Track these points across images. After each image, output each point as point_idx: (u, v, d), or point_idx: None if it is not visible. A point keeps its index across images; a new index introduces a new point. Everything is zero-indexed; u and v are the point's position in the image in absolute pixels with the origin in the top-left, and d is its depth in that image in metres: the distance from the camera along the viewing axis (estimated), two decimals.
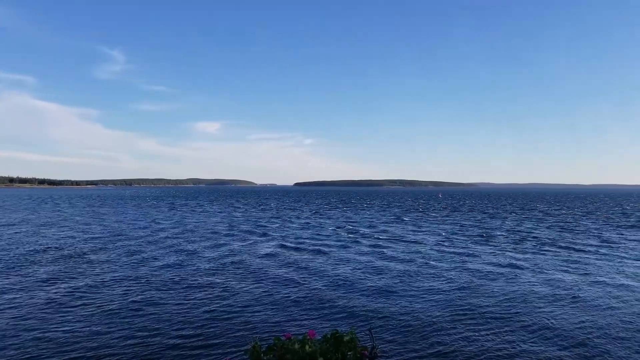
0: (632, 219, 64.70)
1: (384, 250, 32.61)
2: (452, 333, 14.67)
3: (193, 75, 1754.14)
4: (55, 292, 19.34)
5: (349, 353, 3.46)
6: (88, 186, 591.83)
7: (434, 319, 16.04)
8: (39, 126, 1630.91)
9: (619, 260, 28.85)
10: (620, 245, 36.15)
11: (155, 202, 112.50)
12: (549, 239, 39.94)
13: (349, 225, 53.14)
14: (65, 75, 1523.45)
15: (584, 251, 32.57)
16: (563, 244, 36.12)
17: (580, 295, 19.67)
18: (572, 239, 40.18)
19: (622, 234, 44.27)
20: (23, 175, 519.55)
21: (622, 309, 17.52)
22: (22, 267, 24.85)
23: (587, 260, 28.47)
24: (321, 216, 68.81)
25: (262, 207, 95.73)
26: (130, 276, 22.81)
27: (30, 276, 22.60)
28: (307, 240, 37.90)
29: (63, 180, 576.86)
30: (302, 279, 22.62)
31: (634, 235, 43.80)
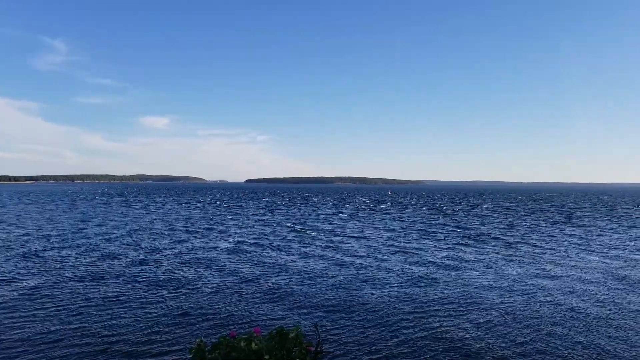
0: (564, 216, 68.30)
1: (330, 247, 32.88)
2: (398, 330, 15.10)
3: (140, 68, 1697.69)
4: None
5: (294, 349, 3.49)
6: (27, 182, 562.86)
7: (379, 316, 16.44)
8: None
9: (555, 254, 30.48)
10: (555, 239, 38.15)
11: (91, 198, 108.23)
12: (488, 234, 41.64)
13: (296, 221, 53.22)
14: (0, 65, 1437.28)
15: (518, 247, 34.23)
16: (504, 239, 37.79)
17: (520, 289, 20.67)
18: (510, 233, 42.06)
19: (557, 229, 46.68)
20: None
21: (561, 304, 18.55)
22: None
23: (524, 255, 30.01)
24: (268, 213, 68.55)
25: (207, 203, 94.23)
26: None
27: None
28: (250, 238, 37.46)
29: (0, 176, 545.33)
30: (244, 277, 22.45)
31: (568, 230, 46.27)
